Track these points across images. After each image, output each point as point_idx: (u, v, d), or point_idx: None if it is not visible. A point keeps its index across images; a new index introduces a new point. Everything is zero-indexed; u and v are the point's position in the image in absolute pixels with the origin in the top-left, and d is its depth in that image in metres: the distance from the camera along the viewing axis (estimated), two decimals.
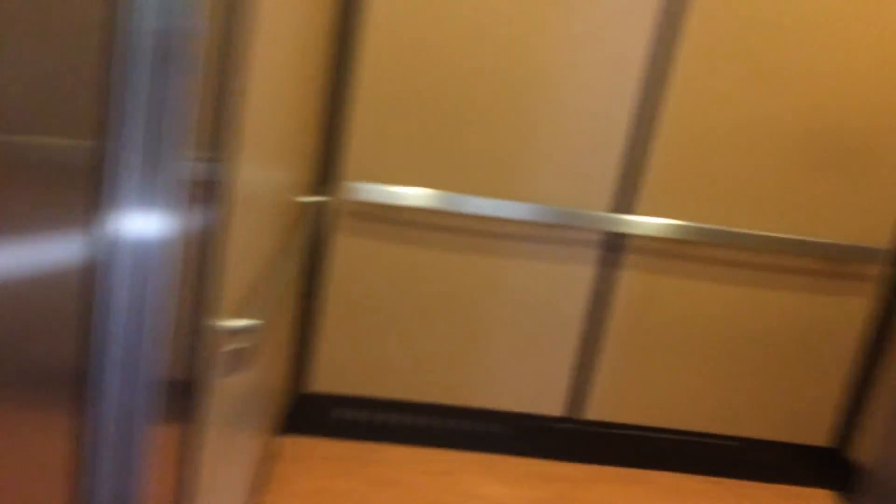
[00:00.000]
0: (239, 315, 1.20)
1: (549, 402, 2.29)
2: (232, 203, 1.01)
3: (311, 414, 2.26)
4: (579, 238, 2.15)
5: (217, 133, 0.85)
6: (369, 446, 2.28)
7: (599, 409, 2.31)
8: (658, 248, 2.17)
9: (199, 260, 0.86)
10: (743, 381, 2.30)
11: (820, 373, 2.29)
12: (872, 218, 2.16)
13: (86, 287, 0.59)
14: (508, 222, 2.14)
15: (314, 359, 2.22)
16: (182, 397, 0.94)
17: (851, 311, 2.24)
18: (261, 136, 1.21)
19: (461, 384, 2.26)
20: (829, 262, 2.20)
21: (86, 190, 0.57)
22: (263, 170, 1.25)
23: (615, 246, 2.16)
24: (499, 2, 1.97)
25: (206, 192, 0.85)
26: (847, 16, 2.01)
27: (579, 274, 2.17)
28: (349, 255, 2.13)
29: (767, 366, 2.28)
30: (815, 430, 2.36)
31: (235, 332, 1.10)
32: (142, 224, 0.67)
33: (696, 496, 2.27)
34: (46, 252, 0.51)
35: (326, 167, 2.06)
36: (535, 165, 2.08)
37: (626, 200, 2.12)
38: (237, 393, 1.36)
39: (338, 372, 2.23)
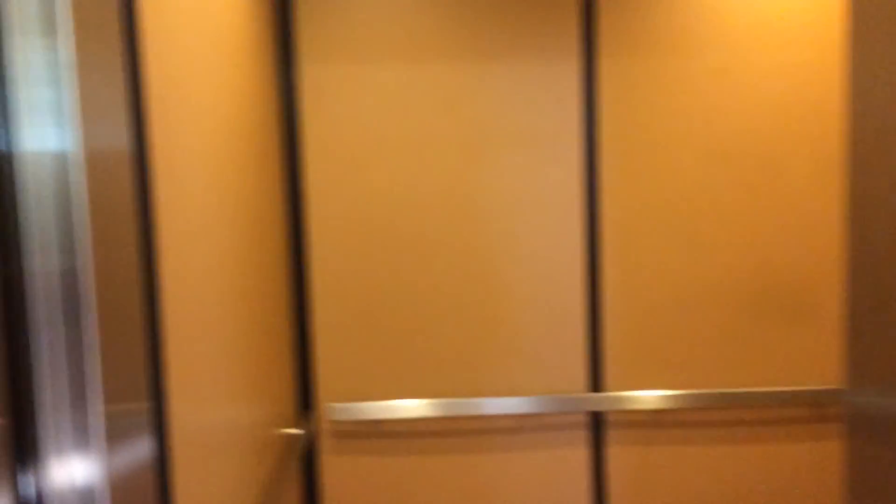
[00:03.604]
0: None
1: None
2: (173, 449, 1.02)
3: None
4: (567, 422, 2.15)
5: (146, 377, 0.89)
6: None
7: None
8: (637, 419, 2.22)
9: None
10: None
11: None
12: (826, 361, 2.17)
13: None
14: (493, 418, 2.14)
15: None
16: None
17: (829, 453, 2.20)
18: (205, 376, 1.25)
19: None
20: (801, 409, 2.22)
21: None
22: (218, 409, 1.28)
23: (599, 424, 2.18)
24: (441, 212, 2.11)
25: (138, 438, 0.87)
26: (757, 175, 2.15)
27: (574, 456, 2.16)
28: (340, 474, 2.17)
29: None
30: None
31: None
32: (69, 474, 0.69)
33: None
34: None
35: (303, 395, 2.12)
36: (506, 358, 2.13)
37: (597, 378, 2.14)
38: None
39: None
